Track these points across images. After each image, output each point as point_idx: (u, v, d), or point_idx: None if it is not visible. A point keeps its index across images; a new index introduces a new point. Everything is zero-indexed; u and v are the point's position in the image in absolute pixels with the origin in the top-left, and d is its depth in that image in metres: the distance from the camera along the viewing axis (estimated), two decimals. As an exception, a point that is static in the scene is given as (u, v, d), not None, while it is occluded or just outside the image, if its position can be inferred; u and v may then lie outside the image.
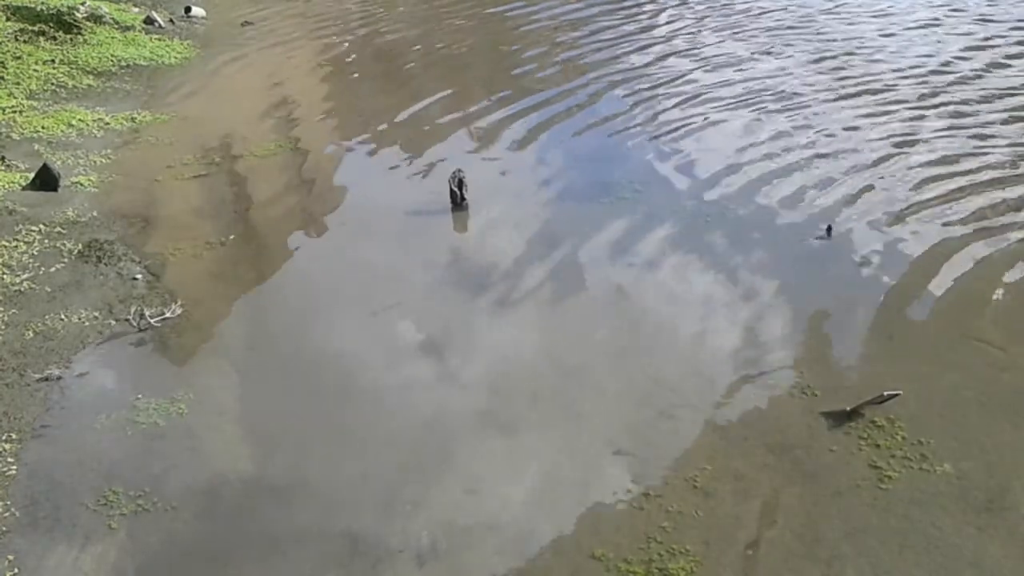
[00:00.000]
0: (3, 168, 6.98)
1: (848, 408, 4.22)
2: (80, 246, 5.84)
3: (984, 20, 10.94)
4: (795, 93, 8.54)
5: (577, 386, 4.55)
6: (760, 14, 11.55)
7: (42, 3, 10.88)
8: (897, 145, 7.27)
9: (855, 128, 7.66)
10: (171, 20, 11.75)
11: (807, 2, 12.03)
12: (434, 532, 3.66)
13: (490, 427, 4.28)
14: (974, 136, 7.42)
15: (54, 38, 10.01)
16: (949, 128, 7.60)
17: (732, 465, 3.97)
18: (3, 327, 4.95)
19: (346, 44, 11.18)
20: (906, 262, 5.55)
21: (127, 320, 5.10)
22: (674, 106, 8.36)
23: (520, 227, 6.18)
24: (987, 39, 10.12)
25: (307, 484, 3.94)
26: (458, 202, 6.39)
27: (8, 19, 10.26)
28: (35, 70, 9.16)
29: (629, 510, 3.73)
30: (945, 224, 5.97)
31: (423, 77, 9.54)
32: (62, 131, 7.86)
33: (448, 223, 6.29)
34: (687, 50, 10.18)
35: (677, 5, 12.19)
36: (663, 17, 11.69)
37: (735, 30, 10.88)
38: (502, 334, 5.01)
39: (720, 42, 10.42)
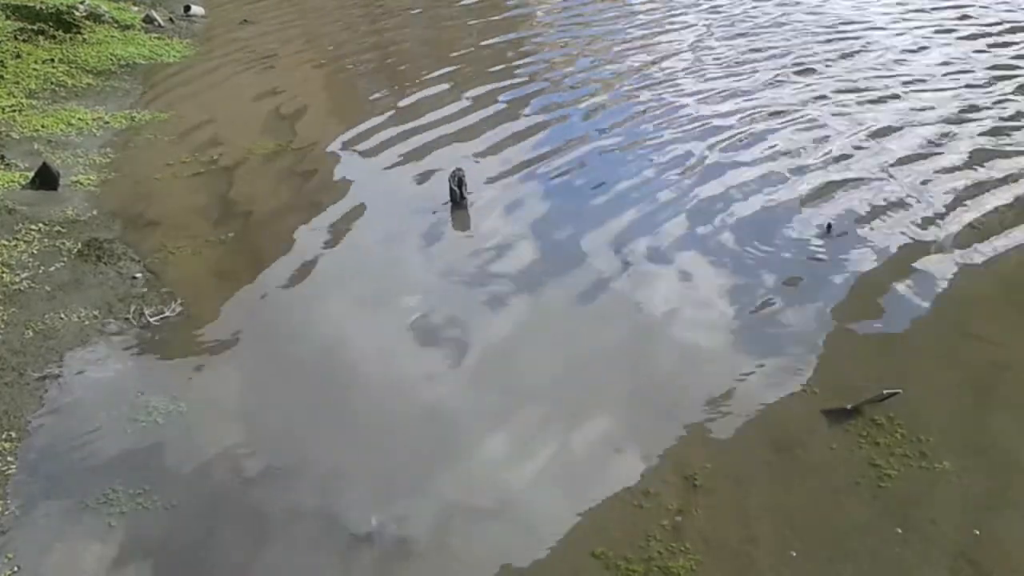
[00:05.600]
0: (3, 167, 6.97)
1: (848, 406, 4.21)
2: (80, 245, 5.84)
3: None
4: (793, 90, 8.55)
5: (577, 384, 4.54)
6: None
7: (41, 2, 10.88)
8: (898, 144, 7.26)
9: (855, 127, 7.65)
10: (170, 19, 11.75)
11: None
12: (432, 530, 3.66)
13: (489, 424, 4.27)
14: (978, 133, 7.42)
15: (53, 37, 10.00)
16: (952, 126, 7.59)
17: (732, 463, 3.97)
18: (3, 326, 4.95)
19: (346, 43, 11.17)
20: (907, 260, 5.54)
21: (127, 319, 5.10)
22: (676, 104, 8.36)
23: (521, 225, 6.18)
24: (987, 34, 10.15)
25: (309, 481, 3.93)
26: (458, 200, 6.39)
27: (7, 18, 10.26)
28: (34, 69, 9.15)
29: (629, 508, 3.73)
30: (946, 223, 5.97)
31: (424, 76, 9.53)
32: (62, 130, 7.86)
33: (448, 221, 6.29)
34: (694, 50, 10.20)
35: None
36: (673, 18, 11.70)
37: (739, 29, 10.90)
38: (502, 332, 5.00)
39: (725, 42, 10.44)
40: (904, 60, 9.47)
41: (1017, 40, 10.00)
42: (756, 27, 10.93)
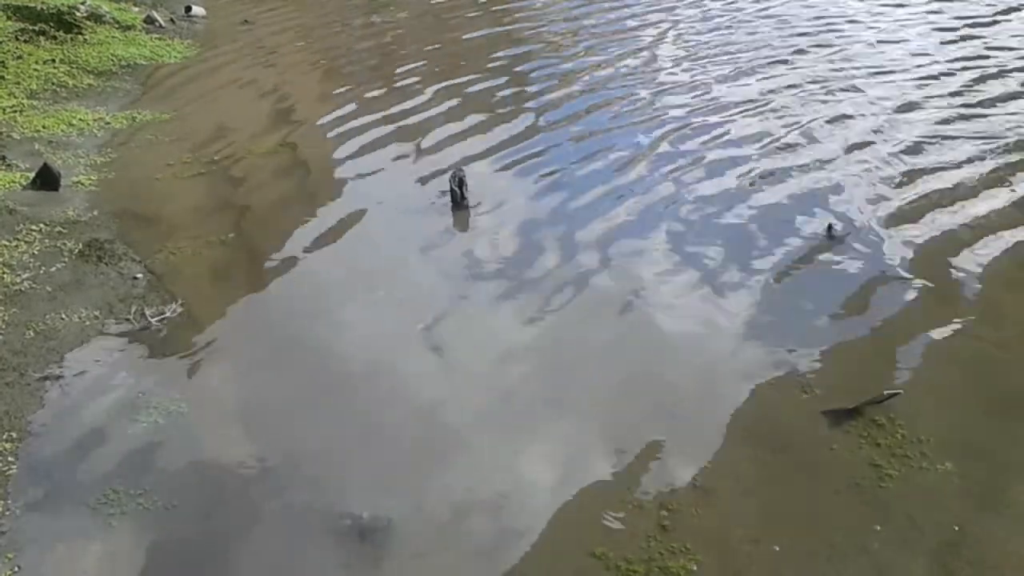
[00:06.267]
0: (4, 168, 6.98)
1: (849, 407, 4.21)
2: (80, 245, 5.84)
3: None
4: (790, 87, 8.56)
5: (577, 384, 4.54)
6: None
7: (42, 2, 10.88)
8: (895, 142, 7.26)
9: (853, 125, 7.66)
10: (171, 19, 11.76)
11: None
12: (432, 530, 3.66)
13: (489, 425, 4.28)
14: (978, 132, 7.43)
15: (54, 37, 10.00)
16: (950, 122, 7.61)
17: (732, 463, 3.97)
18: (4, 326, 4.95)
19: (346, 44, 11.19)
20: (907, 261, 5.54)
21: (127, 319, 5.10)
22: (674, 103, 8.37)
23: (521, 226, 6.18)
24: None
25: (309, 481, 3.94)
26: (458, 201, 6.39)
27: (9, 18, 10.26)
28: (35, 69, 9.15)
29: (629, 508, 3.73)
30: (947, 223, 5.97)
31: (424, 77, 9.54)
32: (63, 130, 7.86)
33: (448, 222, 6.29)
34: (689, 48, 10.21)
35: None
36: (672, 16, 11.72)
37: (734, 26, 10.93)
38: (502, 333, 5.00)
39: (716, 42, 10.45)
40: (889, 53, 9.59)
41: (992, 32, 10.15)
42: (747, 23, 10.96)
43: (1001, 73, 8.91)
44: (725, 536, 3.57)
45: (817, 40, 10.30)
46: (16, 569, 3.48)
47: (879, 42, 10.10)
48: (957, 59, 9.37)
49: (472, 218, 6.33)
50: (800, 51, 9.89)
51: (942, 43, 10.04)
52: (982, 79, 8.75)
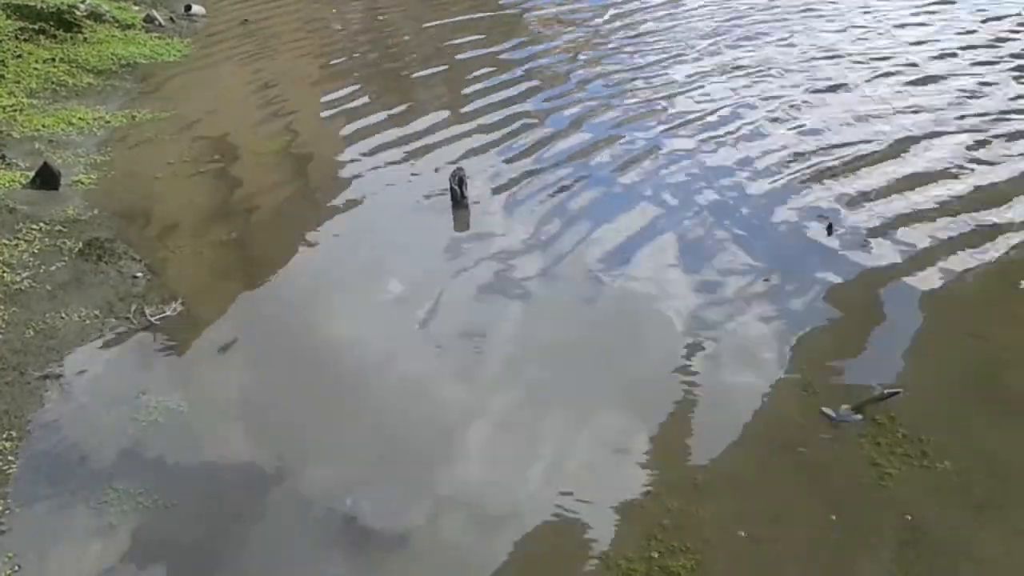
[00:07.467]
0: (3, 166, 6.97)
1: (849, 406, 4.21)
2: (80, 244, 5.83)
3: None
4: (788, 81, 8.56)
5: (576, 384, 4.54)
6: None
7: (42, 1, 10.88)
8: (895, 141, 7.26)
9: (854, 123, 7.66)
10: (171, 18, 11.76)
11: None
12: (432, 530, 3.66)
13: (489, 424, 4.28)
14: (975, 129, 7.43)
15: (54, 36, 10.00)
16: (949, 121, 7.60)
17: (732, 463, 3.97)
18: (4, 325, 4.95)
19: (346, 42, 11.18)
20: (907, 260, 5.54)
21: (127, 318, 5.10)
22: (675, 102, 8.37)
23: (521, 225, 6.18)
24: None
25: (309, 480, 3.94)
26: (459, 200, 6.39)
27: (8, 17, 10.26)
28: (35, 68, 9.15)
29: (629, 508, 3.73)
30: (947, 221, 5.96)
31: (423, 75, 9.54)
32: (62, 129, 7.86)
33: (449, 221, 6.29)
34: (687, 44, 10.21)
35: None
36: (667, 17, 11.73)
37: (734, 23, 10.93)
38: (502, 332, 5.00)
39: (706, 35, 10.46)
40: (889, 43, 9.71)
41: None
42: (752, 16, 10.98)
43: (962, 61, 9.05)
44: (725, 536, 3.57)
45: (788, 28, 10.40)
46: (16, 569, 3.48)
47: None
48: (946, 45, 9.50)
49: (472, 217, 6.33)
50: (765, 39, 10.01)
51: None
52: (947, 66, 8.92)
